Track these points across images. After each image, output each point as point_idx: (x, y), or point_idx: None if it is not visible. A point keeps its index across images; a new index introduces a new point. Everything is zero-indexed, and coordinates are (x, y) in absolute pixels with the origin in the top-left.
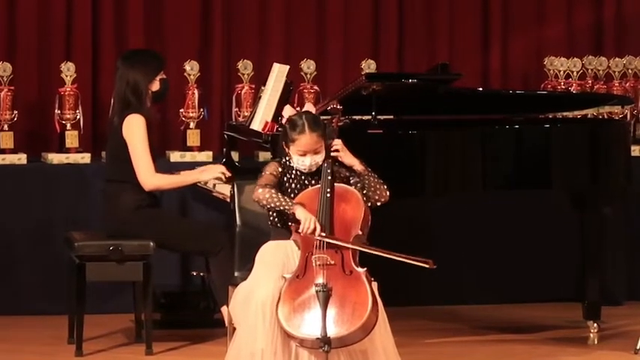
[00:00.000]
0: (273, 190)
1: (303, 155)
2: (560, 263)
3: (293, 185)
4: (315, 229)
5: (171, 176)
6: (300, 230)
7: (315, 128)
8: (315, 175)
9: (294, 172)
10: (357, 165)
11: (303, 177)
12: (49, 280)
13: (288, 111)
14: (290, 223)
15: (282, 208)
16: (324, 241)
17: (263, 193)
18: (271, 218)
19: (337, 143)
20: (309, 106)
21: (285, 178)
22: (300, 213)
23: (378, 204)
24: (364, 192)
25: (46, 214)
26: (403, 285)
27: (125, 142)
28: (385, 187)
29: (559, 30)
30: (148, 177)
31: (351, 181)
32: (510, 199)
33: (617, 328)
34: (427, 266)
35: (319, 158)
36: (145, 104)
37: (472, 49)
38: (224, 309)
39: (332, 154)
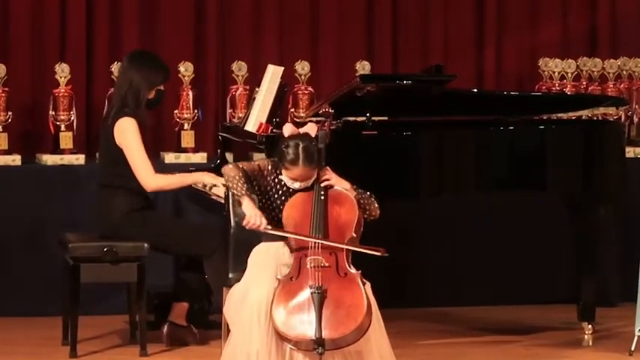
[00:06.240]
0: (239, 174)
1: (294, 180)
2: (554, 264)
3: (278, 186)
4: (259, 225)
5: (172, 176)
6: (244, 223)
7: (309, 163)
8: None
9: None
10: (347, 187)
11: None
12: (43, 281)
13: (288, 129)
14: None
15: (234, 192)
16: (318, 244)
17: (230, 170)
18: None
19: (327, 173)
20: (309, 128)
21: (272, 177)
22: (246, 206)
23: (369, 220)
24: None
25: (40, 215)
26: (398, 286)
27: (117, 146)
28: (376, 204)
29: (553, 31)
30: (149, 178)
31: None
32: (505, 201)
33: (611, 330)
34: (379, 254)
35: (310, 182)
36: (140, 108)
37: (466, 51)
38: None
39: (322, 184)
